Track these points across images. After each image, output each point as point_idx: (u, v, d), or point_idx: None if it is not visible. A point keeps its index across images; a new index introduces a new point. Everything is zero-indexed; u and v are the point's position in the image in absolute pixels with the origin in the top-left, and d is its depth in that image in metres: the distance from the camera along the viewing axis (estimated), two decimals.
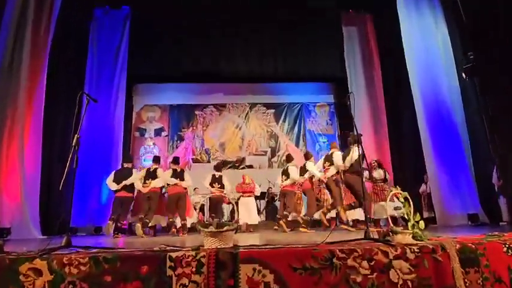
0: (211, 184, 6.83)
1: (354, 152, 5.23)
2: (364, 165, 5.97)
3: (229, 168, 10.80)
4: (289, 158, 6.93)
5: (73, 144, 2.59)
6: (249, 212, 7.30)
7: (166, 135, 11.06)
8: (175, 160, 6.62)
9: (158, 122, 11.17)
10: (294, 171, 6.51)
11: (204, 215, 8.55)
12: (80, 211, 7.62)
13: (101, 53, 9.01)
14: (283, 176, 6.60)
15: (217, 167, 7.23)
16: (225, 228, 2.18)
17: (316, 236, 4.22)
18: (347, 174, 5.41)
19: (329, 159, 6.04)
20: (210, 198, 7.00)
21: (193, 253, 1.89)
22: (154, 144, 10.90)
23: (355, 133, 3.15)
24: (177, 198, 6.15)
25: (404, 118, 8.63)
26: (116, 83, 9.02)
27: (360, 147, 3.08)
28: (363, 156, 3.69)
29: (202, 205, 8.27)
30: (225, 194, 6.92)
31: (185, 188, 6.30)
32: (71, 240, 2.34)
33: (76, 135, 2.63)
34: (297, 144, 11.36)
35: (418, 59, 7.54)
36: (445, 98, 7.17)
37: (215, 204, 6.88)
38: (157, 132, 11.07)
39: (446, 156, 6.90)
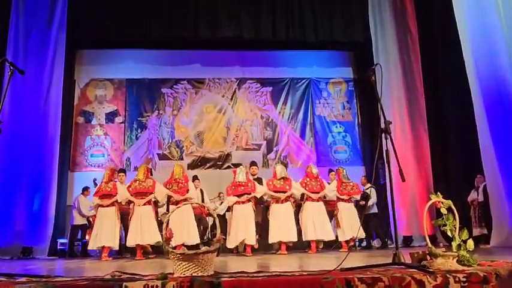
0: None
1: None
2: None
3: (209, 168, 10.79)
4: None
5: None
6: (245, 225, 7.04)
7: (121, 122, 10.99)
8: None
9: (110, 103, 11.08)
10: None
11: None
12: (1, 226, 7.56)
13: (29, 8, 8.87)
14: None
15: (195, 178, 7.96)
16: (202, 250, 2.19)
17: (330, 259, 4.26)
18: None
19: None
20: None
21: (159, 283, 1.89)
22: (105, 134, 10.83)
23: (383, 120, 3.16)
24: None
25: (450, 99, 8.67)
26: (52, 48, 8.92)
27: (389, 139, 3.09)
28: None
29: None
30: (203, 205, 7.07)
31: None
32: None
33: None
34: (302, 136, 11.38)
35: (470, 18, 7.53)
36: (507, 73, 7.17)
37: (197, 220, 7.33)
38: (110, 118, 10.99)
39: (510, 152, 6.90)
